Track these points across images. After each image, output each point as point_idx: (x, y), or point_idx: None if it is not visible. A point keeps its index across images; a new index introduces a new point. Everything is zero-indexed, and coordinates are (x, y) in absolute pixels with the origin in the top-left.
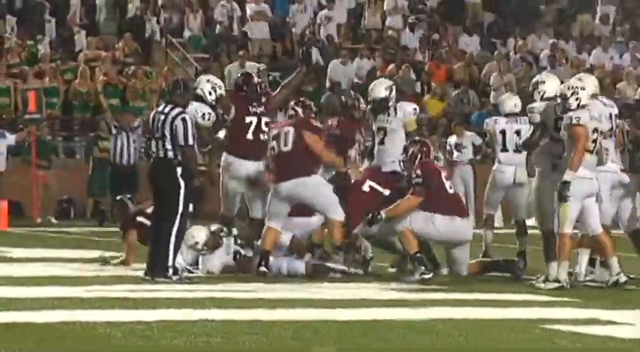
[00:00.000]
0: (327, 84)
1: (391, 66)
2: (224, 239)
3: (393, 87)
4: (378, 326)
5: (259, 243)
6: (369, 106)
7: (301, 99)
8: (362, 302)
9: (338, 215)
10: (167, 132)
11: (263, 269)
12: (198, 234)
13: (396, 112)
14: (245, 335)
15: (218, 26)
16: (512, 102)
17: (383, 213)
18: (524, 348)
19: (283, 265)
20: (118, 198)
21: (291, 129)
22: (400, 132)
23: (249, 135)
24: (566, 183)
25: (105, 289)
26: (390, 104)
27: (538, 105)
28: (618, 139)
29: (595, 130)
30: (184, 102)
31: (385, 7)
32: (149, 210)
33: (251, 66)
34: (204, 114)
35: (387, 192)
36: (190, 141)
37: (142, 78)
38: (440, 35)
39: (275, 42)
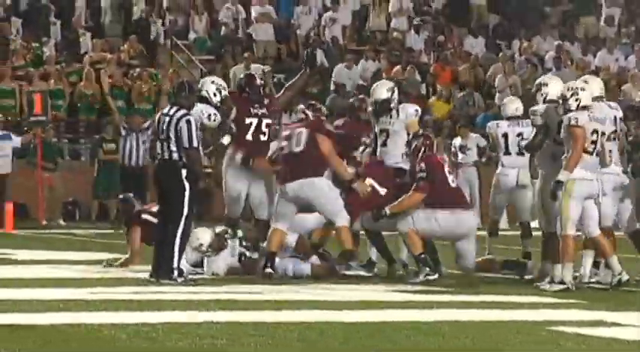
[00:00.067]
0: (332, 86)
1: (397, 68)
2: (229, 241)
3: (395, 88)
4: (384, 327)
5: (265, 244)
6: (371, 108)
7: (311, 102)
8: (368, 303)
9: (343, 220)
10: (172, 134)
11: (268, 270)
12: (203, 235)
13: (398, 114)
14: (250, 337)
15: (223, 28)
16: (513, 105)
17: (387, 210)
18: (529, 350)
19: (289, 266)
20: (122, 195)
21: (305, 131)
22: (402, 133)
23: (249, 136)
24: (559, 183)
25: (110, 291)
26: (392, 106)
27: (540, 107)
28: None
29: (595, 132)
30: (189, 104)
31: (390, 9)
32: (154, 209)
33: (256, 68)
34: (209, 115)
35: (383, 191)
36: (195, 143)
37: (147, 80)
38: (445, 37)
39: (280, 44)
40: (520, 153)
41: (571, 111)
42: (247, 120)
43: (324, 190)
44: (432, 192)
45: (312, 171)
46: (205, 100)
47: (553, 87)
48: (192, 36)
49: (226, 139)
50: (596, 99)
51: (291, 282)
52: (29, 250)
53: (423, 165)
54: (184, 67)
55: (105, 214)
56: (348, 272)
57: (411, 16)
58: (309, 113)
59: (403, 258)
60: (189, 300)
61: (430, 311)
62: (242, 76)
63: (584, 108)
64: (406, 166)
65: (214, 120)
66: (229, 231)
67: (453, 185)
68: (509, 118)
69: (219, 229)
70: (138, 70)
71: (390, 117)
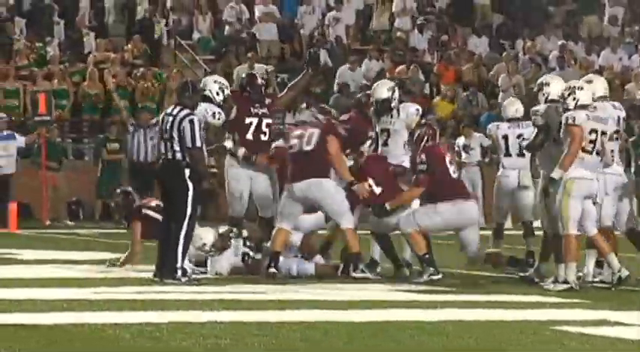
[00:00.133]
0: (336, 87)
1: (400, 67)
2: (232, 240)
3: (396, 88)
4: (388, 327)
5: (269, 244)
6: (372, 108)
7: (321, 105)
8: (372, 303)
9: (348, 222)
10: (175, 134)
11: (272, 270)
12: (206, 235)
13: (399, 113)
14: (254, 337)
15: (227, 27)
16: (513, 107)
17: (388, 205)
18: (533, 350)
19: (293, 266)
20: (121, 188)
21: (317, 131)
22: (403, 133)
23: (249, 136)
24: (553, 180)
25: (113, 291)
26: (393, 105)
27: (542, 107)
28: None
29: (593, 131)
30: (193, 104)
31: (394, 9)
32: (154, 203)
33: (259, 68)
34: (214, 113)
35: (378, 190)
36: (198, 143)
37: (151, 80)
38: (449, 36)
39: (283, 43)
40: (520, 155)
41: (569, 110)
42: (247, 120)
43: (330, 191)
44: (433, 186)
45: (320, 172)
46: (208, 99)
47: (555, 87)
48: (195, 36)
49: (228, 143)
50: (600, 98)
51: (295, 282)
52: (33, 250)
53: (423, 156)
54: (188, 67)
55: (109, 214)
56: (355, 275)
57: (415, 16)
58: (320, 117)
59: (406, 258)
60: (192, 300)
61: (434, 311)
62: (244, 75)
63: (583, 107)
64: (408, 164)
65: (219, 119)
66: (235, 230)
67: (454, 175)
68: (509, 120)
69: (222, 229)
70: (142, 69)
71: (391, 116)
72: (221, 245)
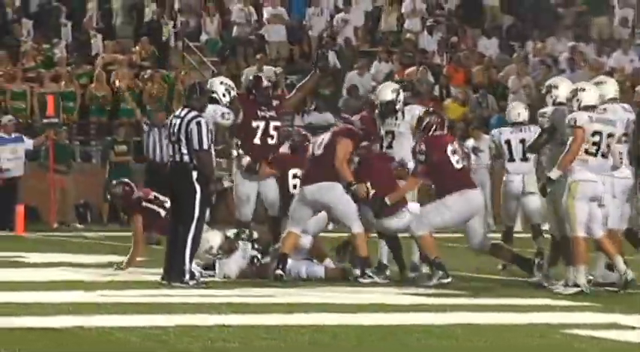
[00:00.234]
0: (345, 89)
1: (409, 69)
2: (240, 243)
3: (400, 90)
4: (397, 330)
5: (277, 246)
6: (375, 109)
7: (344, 115)
8: (381, 306)
9: (358, 227)
10: (182, 137)
11: (279, 272)
12: (214, 238)
13: (403, 115)
14: (262, 340)
15: (235, 28)
16: (516, 111)
17: (388, 200)
18: None
19: (302, 269)
20: (119, 180)
21: (328, 135)
22: (408, 135)
23: (257, 140)
24: (550, 180)
25: (121, 294)
26: (398, 107)
27: (549, 110)
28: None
29: (597, 133)
30: (201, 106)
31: (403, 10)
32: (152, 196)
33: (268, 70)
34: (223, 114)
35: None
36: (205, 146)
37: (159, 81)
38: (458, 38)
39: (292, 45)
40: (524, 159)
41: (574, 112)
42: (254, 124)
43: (342, 196)
44: (436, 180)
45: (330, 175)
46: (215, 101)
47: (563, 89)
48: (203, 37)
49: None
50: (610, 100)
51: (304, 285)
52: (40, 253)
53: (422, 146)
54: (196, 69)
55: (116, 216)
56: (362, 280)
57: (424, 17)
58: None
59: (415, 261)
60: (200, 303)
61: (443, 314)
62: (250, 77)
63: (587, 108)
64: (412, 166)
65: (228, 119)
66: (246, 231)
67: (458, 166)
68: (512, 124)
69: (230, 232)
70: (149, 71)
71: (396, 118)
72: (228, 247)
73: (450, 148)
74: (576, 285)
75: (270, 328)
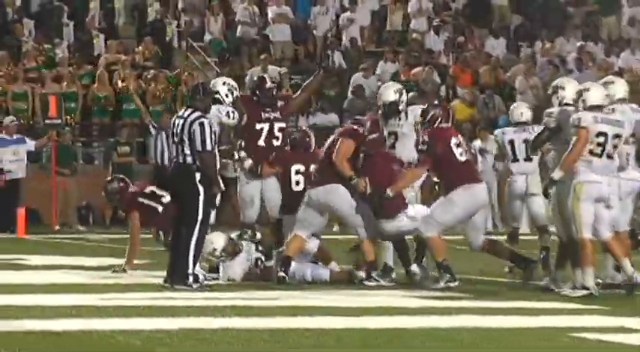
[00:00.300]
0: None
1: (416, 69)
2: (244, 244)
3: (403, 90)
4: (402, 334)
5: (280, 249)
6: (379, 111)
7: (357, 117)
8: (386, 309)
9: (364, 231)
10: (185, 137)
11: (282, 274)
12: (217, 240)
13: (406, 116)
14: (266, 343)
15: (239, 28)
16: (518, 110)
17: (389, 191)
18: None
19: (307, 271)
20: (114, 176)
21: (333, 136)
22: (411, 136)
23: (261, 142)
24: (553, 181)
25: (123, 297)
26: (401, 108)
27: (556, 110)
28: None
29: (601, 134)
30: (205, 107)
31: (409, 10)
32: (148, 190)
33: (273, 70)
34: (228, 113)
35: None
36: (208, 147)
37: (162, 82)
38: (465, 38)
39: (297, 45)
40: (527, 159)
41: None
42: (258, 126)
43: (346, 197)
44: (442, 175)
45: (335, 178)
46: (218, 102)
47: (570, 90)
48: (207, 37)
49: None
50: (619, 101)
51: (308, 288)
52: (41, 255)
53: (425, 137)
54: (199, 69)
55: (119, 219)
56: (368, 283)
57: (431, 17)
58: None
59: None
60: (204, 306)
61: (449, 318)
62: (254, 78)
63: (593, 108)
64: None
65: (233, 118)
66: (249, 232)
67: (462, 159)
68: (516, 124)
69: (234, 234)
70: (152, 72)
71: (399, 119)
72: (232, 250)
73: (453, 141)
74: (585, 288)
75: (274, 331)
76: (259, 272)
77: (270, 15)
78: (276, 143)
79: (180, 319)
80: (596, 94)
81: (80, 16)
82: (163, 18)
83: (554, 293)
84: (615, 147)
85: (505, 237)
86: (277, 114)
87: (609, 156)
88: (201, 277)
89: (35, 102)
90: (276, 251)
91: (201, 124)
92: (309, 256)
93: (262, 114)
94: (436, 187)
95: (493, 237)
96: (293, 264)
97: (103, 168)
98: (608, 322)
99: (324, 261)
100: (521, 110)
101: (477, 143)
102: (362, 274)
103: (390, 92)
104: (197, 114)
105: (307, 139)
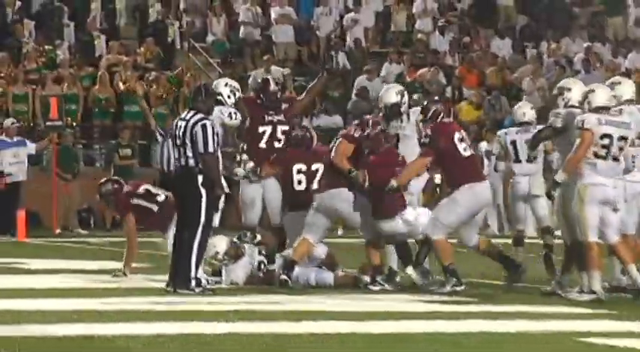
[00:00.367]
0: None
1: (421, 70)
2: (247, 247)
3: (405, 92)
4: (407, 338)
5: (286, 253)
6: (380, 113)
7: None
8: (391, 314)
9: (369, 234)
10: (187, 140)
11: (284, 277)
12: (220, 243)
13: (409, 118)
14: (270, 348)
15: (242, 29)
16: (521, 110)
17: (394, 182)
18: None
19: (311, 276)
20: (107, 178)
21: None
22: (414, 137)
23: (262, 144)
24: (556, 183)
25: (125, 301)
26: (403, 109)
27: (563, 111)
28: None
29: (606, 136)
30: (207, 109)
31: (414, 10)
32: (140, 190)
33: (276, 70)
34: (230, 114)
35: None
36: (210, 149)
37: (164, 83)
38: (471, 38)
39: (300, 46)
40: (530, 160)
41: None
42: (261, 129)
43: (351, 201)
44: (445, 171)
45: (340, 181)
46: (220, 103)
47: (576, 92)
48: (209, 38)
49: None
50: (627, 102)
51: (312, 292)
52: (42, 259)
53: (429, 131)
54: (202, 70)
55: (120, 222)
56: (372, 287)
57: (436, 17)
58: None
59: (426, 266)
60: (207, 311)
61: (455, 322)
62: (258, 80)
63: (599, 109)
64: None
65: (235, 119)
66: (249, 234)
67: (466, 154)
68: (519, 124)
69: (236, 238)
70: (154, 73)
71: (401, 121)
72: (235, 253)
73: (457, 136)
74: (592, 292)
75: (277, 336)
76: (262, 275)
77: (273, 16)
78: (278, 145)
79: (183, 323)
80: (601, 95)
81: (81, 17)
82: (165, 19)
83: (561, 298)
84: (621, 149)
85: (511, 241)
86: (281, 117)
87: (615, 159)
88: (203, 281)
89: (36, 104)
90: (280, 254)
91: (204, 126)
92: (316, 261)
93: (265, 116)
94: (437, 190)
95: (484, 238)
96: (297, 268)
97: (104, 171)
98: (615, 326)
99: (330, 266)
100: (524, 110)
101: (484, 145)
102: (367, 278)
103: (392, 94)
104: (199, 116)
105: (308, 137)
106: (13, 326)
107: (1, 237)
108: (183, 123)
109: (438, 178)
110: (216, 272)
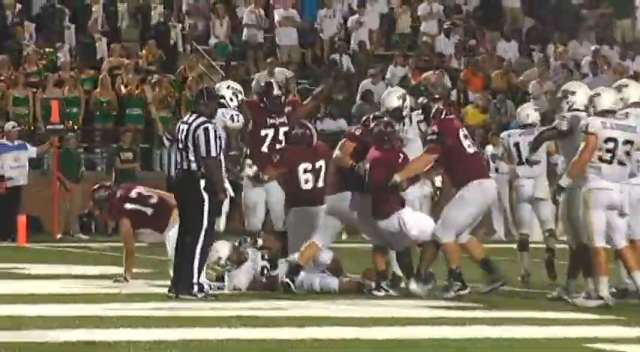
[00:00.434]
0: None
1: (427, 73)
2: (250, 252)
3: (407, 95)
4: (411, 344)
5: (291, 258)
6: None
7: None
8: (395, 319)
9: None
10: (190, 143)
11: (286, 280)
12: (222, 248)
13: (411, 121)
14: None
15: (245, 31)
16: (524, 112)
17: (397, 176)
18: None
19: (315, 281)
20: (99, 184)
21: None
22: (417, 141)
23: (264, 148)
24: (561, 188)
25: (126, 307)
26: (405, 113)
27: (569, 114)
28: None
29: (610, 139)
30: (210, 112)
31: (420, 12)
32: (133, 194)
33: (280, 71)
34: (232, 116)
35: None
36: (213, 153)
37: (166, 87)
38: (476, 41)
39: (304, 49)
40: (534, 162)
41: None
42: (263, 132)
43: (358, 205)
44: (451, 169)
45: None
46: (222, 106)
47: (580, 95)
48: (212, 41)
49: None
50: (633, 104)
51: (316, 298)
52: (42, 264)
53: (435, 127)
54: (205, 73)
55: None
56: (377, 293)
57: (442, 20)
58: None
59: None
60: (209, 317)
61: (461, 328)
62: (261, 84)
63: (604, 113)
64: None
65: (238, 121)
66: (249, 239)
67: (470, 151)
68: (523, 126)
69: (238, 242)
70: (156, 76)
71: (403, 124)
72: (237, 258)
73: (461, 132)
74: (599, 298)
75: (281, 342)
76: (265, 281)
77: (276, 18)
78: (279, 146)
79: (185, 329)
80: (607, 99)
81: (82, 19)
82: (167, 21)
83: (568, 303)
84: (627, 153)
85: (516, 246)
86: (283, 119)
87: (621, 163)
88: (206, 286)
89: (36, 107)
90: (285, 259)
91: (206, 130)
92: (321, 267)
93: (268, 119)
94: (438, 193)
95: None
96: (302, 273)
97: (106, 175)
98: (623, 332)
99: (335, 272)
100: (528, 112)
101: (490, 148)
102: (371, 284)
103: (394, 98)
104: (201, 119)
105: (308, 134)
106: (14, 331)
107: (1, 242)
108: (185, 127)
109: (438, 181)
110: (219, 278)
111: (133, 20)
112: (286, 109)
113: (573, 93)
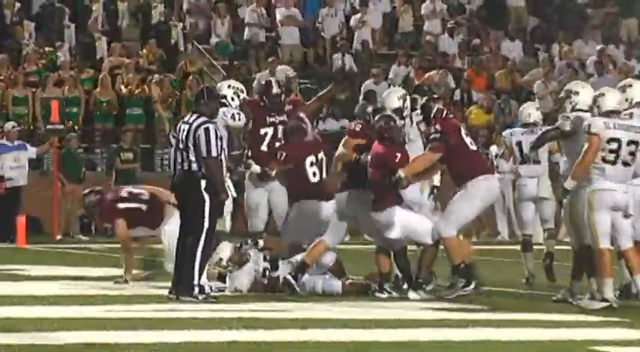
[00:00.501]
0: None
1: (431, 73)
2: (252, 254)
3: (407, 96)
4: (415, 346)
5: (295, 259)
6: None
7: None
8: (399, 322)
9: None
10: (190, 144)
11: (288, 277)
12: (224, 249)
13: (411, 122)
14: None
15: (247, 30)
16: (526, 111)
17: (401, 172)
18: None
19: (318, 283)
20: (89, 190)
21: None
22: (418, 141)
23: (264, 147)
24: (566, 191)
25: (127, 309)
26: (405, 114)
27: (572, 114)
28: None
29: (614, 140)
30: (211, 112)
31: (423, 11)
32: (124, 194)
33: (282, 70)
34: (233, 115)
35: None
36: (214, 153)
37: (167, 86)
38: (481, 40)
39: (306, 48)
40: (536, 162)
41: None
42: (262, 131)
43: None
44: (454, 166)
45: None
46: (224, 106)
47: (584, 96)
48: (213, 40)
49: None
50: (638, 104)
51: (319, 300)
52: (42, 266)
53: (438, 126)
54: (206, 72)
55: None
56: (380, 295)
57: (445, 19)
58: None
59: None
60: (210, 318)
61: (465, 330)
62: (262, 82)
63: (607, 114)
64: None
65: (239, 120)
66: (250, 241)
67: (473, 148)
68: (525, 125)
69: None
70: (157, 75)
71: (404, 125)
72: (239, 259)
73: (462, 130)
74: (604, 299)
75: (283, 344)
76: (266, 282)
77: (278, 17)
78: (278, 144)
79: (186, 331)
80: (611, 99)
81: (82, 18)
82: (168, 20)
83: (572, 305)
84: (633, 153)
85: (519, 247)
86: (283, 118)
87: (625, 163)
88: (207, 288)
89: (36, 106)
90: (287, 260)
91: (207, 130)
92: (323, 268)
93: (267, 118)
94: (435, 191)
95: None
96: (305, 275)
97: (106, 175)
98: (627, 334)
99: (337, 273)
100: (530, 111)
101: (494, 148)
102: (374, 285)
103: (394, 98)
104: (202, 119)
105: (303, 125)
106: (14, 333)
107: (1, 243)
108: (186, 127)
109: (436, 180)
110: (221, 279)
111: (133, 19)
112: (287, 108)
113: (576, 93)
